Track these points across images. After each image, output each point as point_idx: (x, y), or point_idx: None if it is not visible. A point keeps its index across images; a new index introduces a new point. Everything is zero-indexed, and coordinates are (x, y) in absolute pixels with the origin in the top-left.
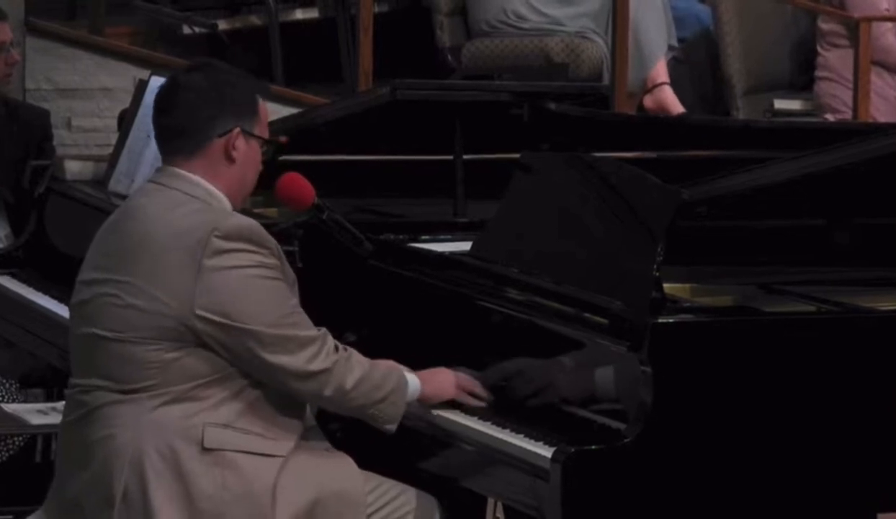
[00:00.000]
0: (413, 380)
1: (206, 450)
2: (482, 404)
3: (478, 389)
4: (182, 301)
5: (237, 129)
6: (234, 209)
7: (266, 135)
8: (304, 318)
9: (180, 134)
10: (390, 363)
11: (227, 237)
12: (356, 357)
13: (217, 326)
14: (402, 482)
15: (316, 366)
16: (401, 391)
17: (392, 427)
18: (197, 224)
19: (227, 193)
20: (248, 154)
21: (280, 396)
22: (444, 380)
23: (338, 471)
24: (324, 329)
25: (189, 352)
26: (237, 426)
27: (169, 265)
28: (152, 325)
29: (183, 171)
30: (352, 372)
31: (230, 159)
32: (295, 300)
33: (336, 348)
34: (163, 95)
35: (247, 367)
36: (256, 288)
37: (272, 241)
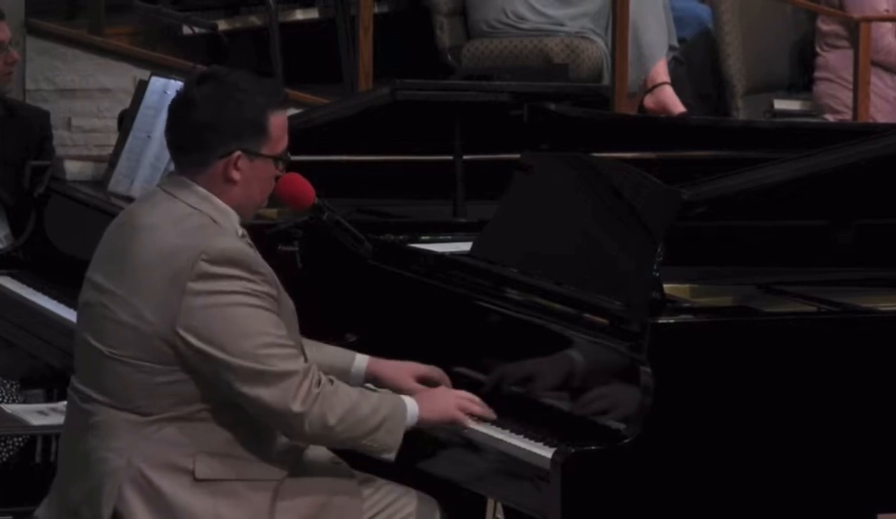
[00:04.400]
0: (412, 405)
1: (197, 481)
2: (486, 420)
3: (478, 407)
4: (164, 319)
5: (237, 153)
6: (245, 220)
7: (279, 148)
8: (289, 351)
9: (183, 151)
10: (387, 392)
11: (213, 261)
12: (342, 391)
13: (196, 350)
14: (402, 484)
15: (292, 404)
16: (396, 419)
17: (390, 456)
18: (187, 245)
19: (235, 208)
20: (252, 173)
21: None
22: (443, 401)
23: (335, 493)
24: (308, 364)
25: (178, 377)
26: (230, 453)
27: (156, 284)
28: (139, 343)
29: (192, 182)
30: (333, 409)
31: (230, 180)
32: (283, 331)
33: (319, 382)
34: (172, 109)
35: (227, 397)
36: (237, 316)
37: (265, 267)
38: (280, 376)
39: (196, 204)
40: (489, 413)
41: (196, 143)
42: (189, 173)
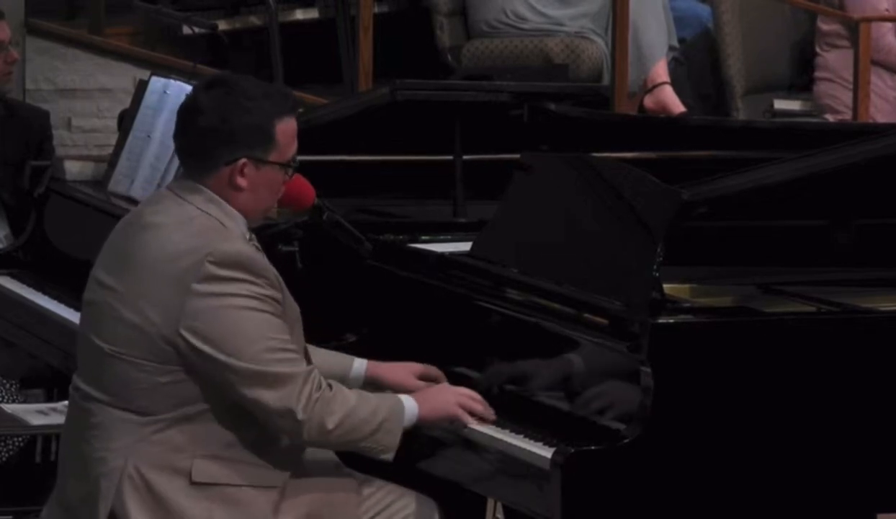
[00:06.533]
0: (410, 404)
1: (194, 483)
2: (487, 419)
3: (479, 406)
4: (168, 318)
5: (243, 161)
6: (253, 224)
7: (288, 155)
8: (290, 355)
9: (191, 156)
10: (386, 394)
11: (219, 263)
12: (341, 395)
13: (198, 352)
14: (401, 485)
15: (293, 405)
16: (395, 419)
17: (388, 456)
18: (194, 247)
19: (242, 213)
20: (259, 180)
21: None
22: (442, 399)
23: (334, 494)
24: (311, 367)
25: (179, 378)
26: (229, 457)
27: (161, 283)
28: (142, 342)
29: (201, 186)
30: (333, 413)
31: (237, 187)
32: (286, 336)
33: (320, 386)
34: (180, 114)
35: (228, 398)
36: (241, 319)
37: (270, 271)
38: (281, 379)
39: (204, 206)
40: (489, 412)
41: (203, 149)
42: (197, 177)
